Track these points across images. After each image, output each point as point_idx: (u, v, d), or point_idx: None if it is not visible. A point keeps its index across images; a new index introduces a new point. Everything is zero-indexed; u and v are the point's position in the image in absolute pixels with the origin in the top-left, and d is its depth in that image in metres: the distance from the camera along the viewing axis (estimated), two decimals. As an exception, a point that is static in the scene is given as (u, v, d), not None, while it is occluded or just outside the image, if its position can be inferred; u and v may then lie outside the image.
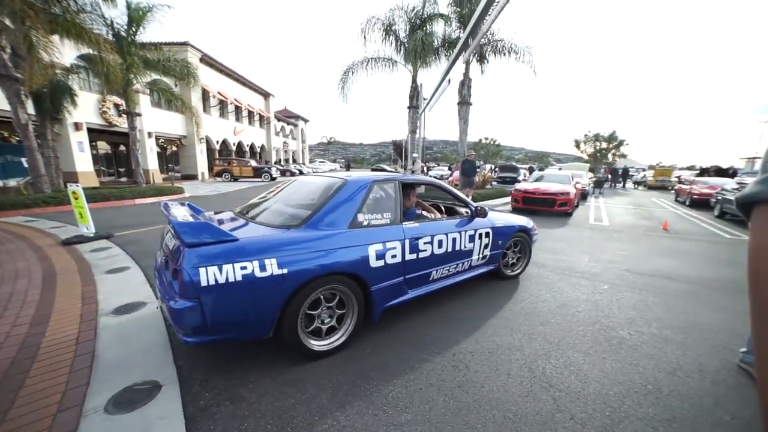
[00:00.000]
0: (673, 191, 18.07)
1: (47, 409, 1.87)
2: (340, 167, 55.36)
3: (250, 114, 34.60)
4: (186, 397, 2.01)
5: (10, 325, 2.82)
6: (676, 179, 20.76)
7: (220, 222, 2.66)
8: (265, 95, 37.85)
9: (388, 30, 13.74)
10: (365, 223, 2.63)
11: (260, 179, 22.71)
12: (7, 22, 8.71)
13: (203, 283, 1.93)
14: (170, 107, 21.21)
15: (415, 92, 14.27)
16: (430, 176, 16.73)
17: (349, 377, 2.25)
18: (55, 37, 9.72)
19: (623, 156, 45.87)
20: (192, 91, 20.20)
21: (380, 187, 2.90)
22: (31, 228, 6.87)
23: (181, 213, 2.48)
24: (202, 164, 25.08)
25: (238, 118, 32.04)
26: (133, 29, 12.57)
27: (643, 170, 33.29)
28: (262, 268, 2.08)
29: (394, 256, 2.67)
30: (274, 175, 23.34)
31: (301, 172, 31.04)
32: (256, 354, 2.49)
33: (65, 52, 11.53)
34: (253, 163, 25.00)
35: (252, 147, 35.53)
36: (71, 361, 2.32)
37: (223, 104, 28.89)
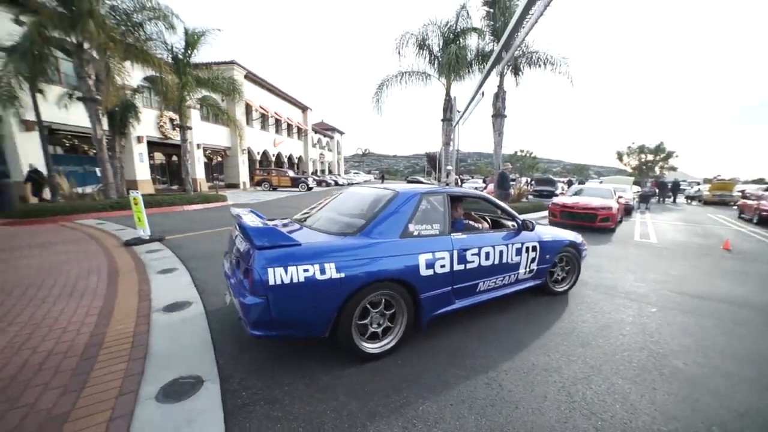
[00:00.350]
0: (735, 207, 16.41)
1: (111, 391, 2.08)
2: (375, 178, 56.50)
3: (289, 126, 36.41)
4: (225, 394, 2.12)
5: (85, 315, 3.19)
6: (739, 194, 18.84)
7: (283, 227, 2.82)
8: (303, 108, 39.69)
9: (422, 45, 13.95)
10: (416, 233, 2.73)
11: (297, 189, 23.63)
12: (94, 53, 10.00)
13: (271, 282, 2.12)
14: (217, 121, 22.85)
15: (448, 105, 14.28)
16: (462, 186, 16.41)
17: (380, 387, 2.26)
18: (127, 63, 10.96)
19: (672, 169, 42.43)
20: (236, 106, 21.73)
21: (429, 199, 3.00)
22: (100, 230, 7.67)
23: (250, 218, 2.68)
24: (244, 174, 26.68)
25: (277, 131, 33.84)
26: (189, 52, 13.81)
27: (697, 184, 30.52)
28: (322, 271, 2.24)
29: (443, 266, 2.75)
30: (310, 185, 24.21)
31: (336, 183, 32.23)
32: (290, 359, 2.58)
33: (133, 75, 12.90)
34: (291, 173, 26.16)
35: (290, 158, 37.22)
36: (129, 351, 2.55)
37: (264, 117, 30.67)
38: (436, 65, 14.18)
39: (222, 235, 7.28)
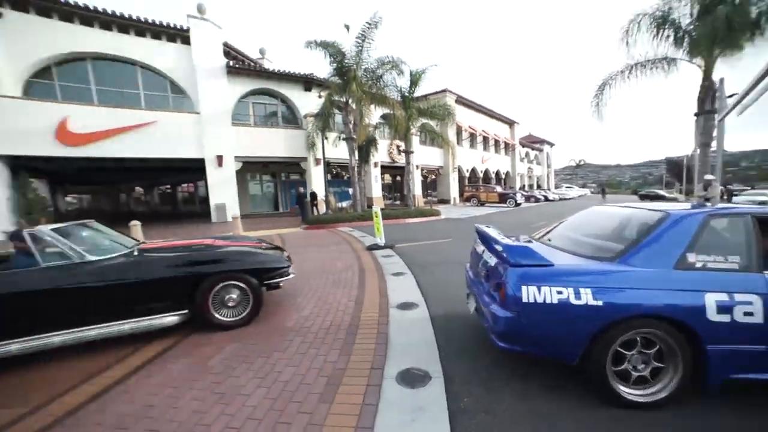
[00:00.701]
0: None
1: (366, 363, 2.73)
2: (592, 192, 48.80)
3: (496, 143, 36.82)
4: (449, 394, 2.32)
5: (347, 300, 4.33)
6: None
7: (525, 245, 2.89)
8: (510, 123, 39.15)
9: (662, 22, 10.56)
10: (698, 264, 2.18)
11: (505, 205, 23.27)
12: (353, 106, 13.88)
13: (524, 300, 2.19)
14: (432, 143, 26.00)
15: (708, 93, 10.17)
16: (737, 202, 11.53)
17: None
18: (371, 107, 14.48)
19: None
20: (449, 128, 24.07)
21: (720, 223, 2.36)
22: (351, 236, 10.28)
23: (500, 235, 2.86)
24: (454, 190, 29.00)
25: (485, 148, 34.93)
26: (412, 89, 16.50)
27: None
28: (577, 296, 2.15)
29: (749, 314, 2.04)
30: (518, 201, 23.54)
31: (546, 198, 30.26)
32: (509, 374, 2.54)
33: (374, 115, 16.76)
34: (499, 189, 26.07)
35: (497, 174, 37.36)
36: (375, 336, 3.24)
37: (472, 136, 32.36)
38: (685, 44, 10.43)
39: (437, 247, 8.12)
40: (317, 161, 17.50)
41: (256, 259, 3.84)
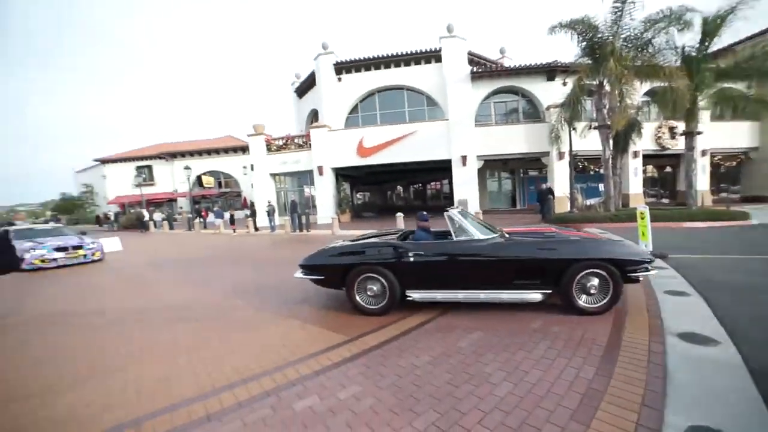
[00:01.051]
0: None
1: (633, 395, 2.28)
2: None
3: None
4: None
5: (603, 312, 3.74)
6: None
7: None
8: None
9: None
10: None
11: None
12: (608, 86, 11.61)
13: None
14: (734, 117, 17.60)
15: None
16: None
17: None
18: (635, 83, 11.53)
19: None
20: None
21: None
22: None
23: None
24: (778, 182, 18.68)
25: None
26: (705, 44, 11.76)
27: None
28: None
29: None
30: None
31: None
32: None
33: (637, 93, 13.28)
34: None
35: None
36: (645, 364, 2.66)
37: None
38: None
39: (743, 264, 5.62)
40: (561, 155, 16.06)
41: (619, 249, 3.84)
